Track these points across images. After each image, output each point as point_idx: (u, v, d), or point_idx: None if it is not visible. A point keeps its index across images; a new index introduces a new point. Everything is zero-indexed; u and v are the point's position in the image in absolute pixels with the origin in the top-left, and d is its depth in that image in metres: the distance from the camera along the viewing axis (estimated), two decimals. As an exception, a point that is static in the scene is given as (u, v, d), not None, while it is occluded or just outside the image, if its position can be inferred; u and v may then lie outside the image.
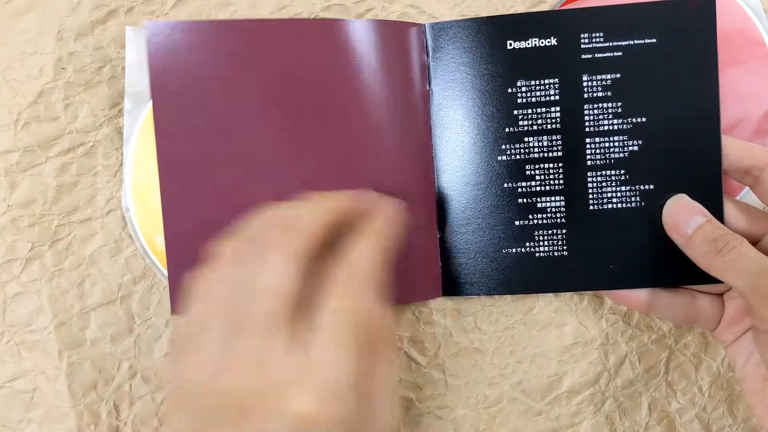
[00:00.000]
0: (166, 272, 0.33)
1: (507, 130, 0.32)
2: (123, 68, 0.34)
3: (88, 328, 0.35)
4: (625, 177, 0.32)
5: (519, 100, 0.32)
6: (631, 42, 0.31)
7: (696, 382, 0.35)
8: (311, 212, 0.26)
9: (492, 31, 0.32)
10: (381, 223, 0.28)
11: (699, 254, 0.29)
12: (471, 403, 0.35)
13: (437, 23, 0.32)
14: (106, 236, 0.35)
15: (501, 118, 0.32)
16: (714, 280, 0.32)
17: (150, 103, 0.33)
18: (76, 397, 0.35)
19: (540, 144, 0.32)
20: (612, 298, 0.34)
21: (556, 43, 0.32)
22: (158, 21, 0.32)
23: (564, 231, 0.33)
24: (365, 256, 0.26)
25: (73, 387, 0.35)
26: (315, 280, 0.25)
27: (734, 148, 0.31)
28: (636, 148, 0.32)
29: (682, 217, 0.30)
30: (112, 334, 0.35)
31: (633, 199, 0.32)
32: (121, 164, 0.34)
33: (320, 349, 0.24)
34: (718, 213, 0.31)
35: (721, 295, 0.33)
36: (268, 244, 0.25)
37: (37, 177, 0.34)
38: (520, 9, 0.34)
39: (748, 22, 0.33)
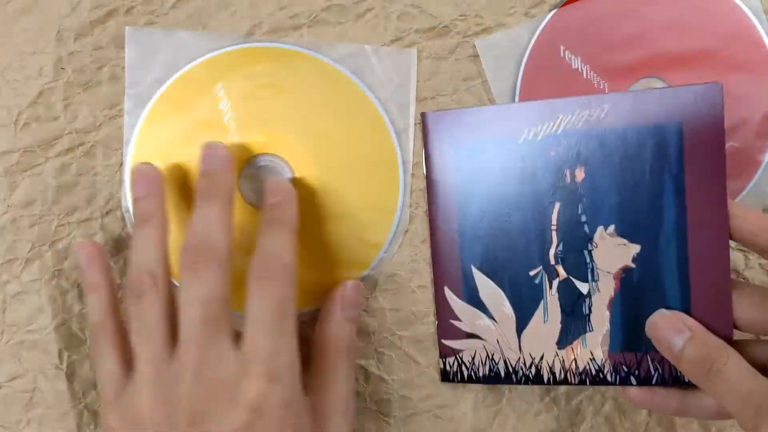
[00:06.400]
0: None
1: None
2: (123, 68, 0.34)
3: (88, 328, 0.35)
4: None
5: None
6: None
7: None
8: (218, 225, 0.28)
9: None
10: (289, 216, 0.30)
11: (689, 374, 0.29)
12: (471, 403, 0.35)
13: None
14: (106, 236, 0.35)
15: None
16: None
17: (150, 102, 0.33)
18: (76, 397, 0.35)
19: None
20: None
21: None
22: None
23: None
24: (279, 246, 0.28)
25: (73, 387, 0.35)
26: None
27: (749, 221, 0.29)
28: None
29: (667, 333, 0.29)
30: (112, 334, 0.35)
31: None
32: (121, 164, 0.34)
33: (253, 339, 0.27)
34: (726, 314, 0.29)
35: None
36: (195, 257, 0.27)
37: (37, 177, 0.34)
38: (520, 10, 0.34)
39: (748, 24, 0.33)
